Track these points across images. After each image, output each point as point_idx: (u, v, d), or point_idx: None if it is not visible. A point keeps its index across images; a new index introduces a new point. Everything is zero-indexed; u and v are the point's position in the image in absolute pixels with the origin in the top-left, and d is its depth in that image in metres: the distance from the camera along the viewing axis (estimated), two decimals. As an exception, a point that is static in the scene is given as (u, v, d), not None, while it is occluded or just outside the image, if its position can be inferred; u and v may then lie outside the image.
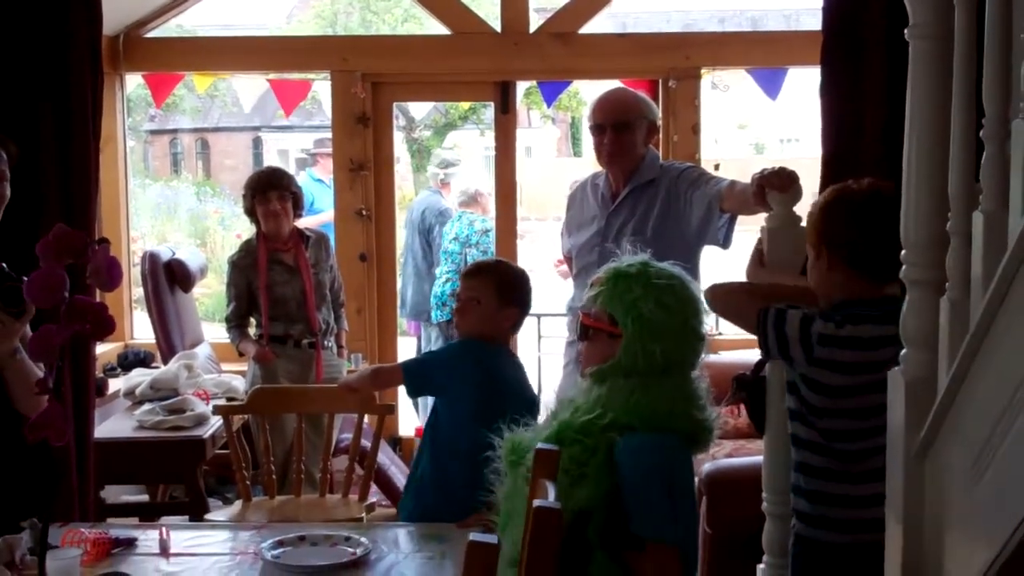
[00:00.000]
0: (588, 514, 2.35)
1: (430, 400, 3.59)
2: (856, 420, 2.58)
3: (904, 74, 2.22)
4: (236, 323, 4.89)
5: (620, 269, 2.56)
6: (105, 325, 1.93)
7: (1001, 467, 1.85)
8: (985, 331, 1.88)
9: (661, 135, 6.00)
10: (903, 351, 2.18)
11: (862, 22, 4.11)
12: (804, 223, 3.15)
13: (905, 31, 2.20)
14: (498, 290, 3.34)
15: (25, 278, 2.05)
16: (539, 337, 7.85)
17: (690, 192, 3.70)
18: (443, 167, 7.56)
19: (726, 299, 2.90)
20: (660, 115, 4.09)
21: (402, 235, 7.31)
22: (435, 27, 6.34)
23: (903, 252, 2.19)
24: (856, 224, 2.61)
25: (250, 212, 4.90)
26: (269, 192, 4.79)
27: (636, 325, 2.49)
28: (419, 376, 3.44)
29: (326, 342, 4.95)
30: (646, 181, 3.80)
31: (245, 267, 4.83)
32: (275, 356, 4.77)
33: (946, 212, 2.07)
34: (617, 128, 3.78)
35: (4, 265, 2.73)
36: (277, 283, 4.81)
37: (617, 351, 2.51)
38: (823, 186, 4.18)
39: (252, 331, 4.94)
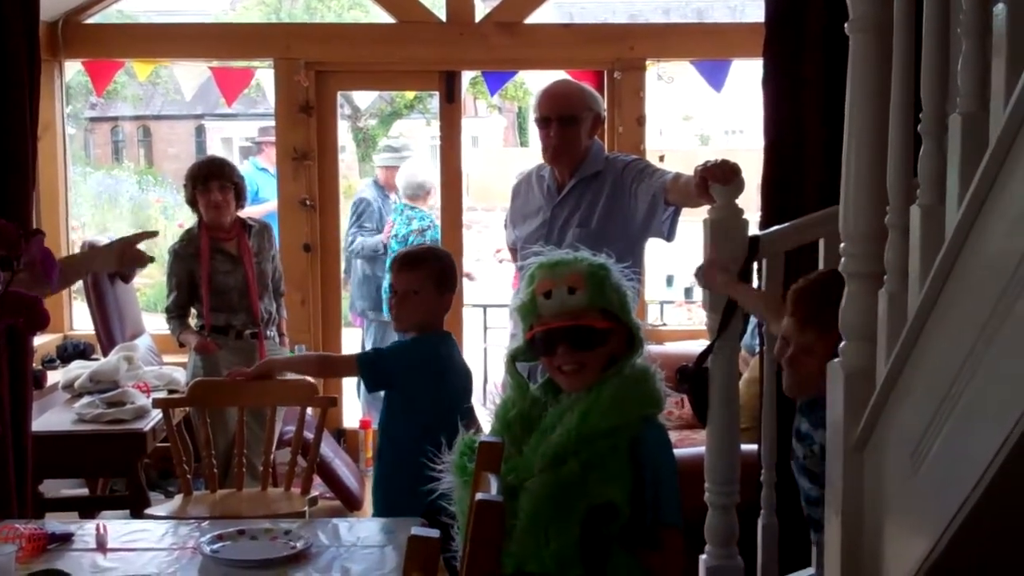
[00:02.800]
0: (614, 511, 2.32)
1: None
2: None
3: (845, 67, 2.24)
4: (176, 313, 4.82)
5: (578, 262, 2.48)
6: (39, 318, 1.89)
7: (938, 459, 1.88)
8: (922, 323, 1.90)
9: (606, 126, 6.00)
10: (842, 343, 2.20)
11: (804, 14, 4.14)
12: (746, 215, 3.19)
13: (845, 24, 2.22)
14: (436, 280, 3.37)
15: None
16: (485, 328, 7.86)
17: (635, 185, 3.70)
18: (389, 151, 7.35)
19: None
20: (605, 107, 4.09)
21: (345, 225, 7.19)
22: (380, 15, 6.30)
23: (842, 245, 2.21)
24: None
25: (192, 202, 4.83)
26: (210, 182, 4.72)
27: (625, 310, 2.47)
28: (376, 370, 3.44)
29: (268, 332, 4.90)
30: (591, 174, 3.79)
31: (187, 256, 4.77)
32: (217, 347, 4.71)
33: (885, 205, 2.09)
34: (563, 122, 3.76)
35: None
36: (219, 272, 4.75)
37: (616, 344, 2.45)
38: (765, 176, 4.22)
39: (193, 322, 4.88)
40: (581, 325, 2.42)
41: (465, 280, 6.45)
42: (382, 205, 6.97)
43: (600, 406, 2.35)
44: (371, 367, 3.47)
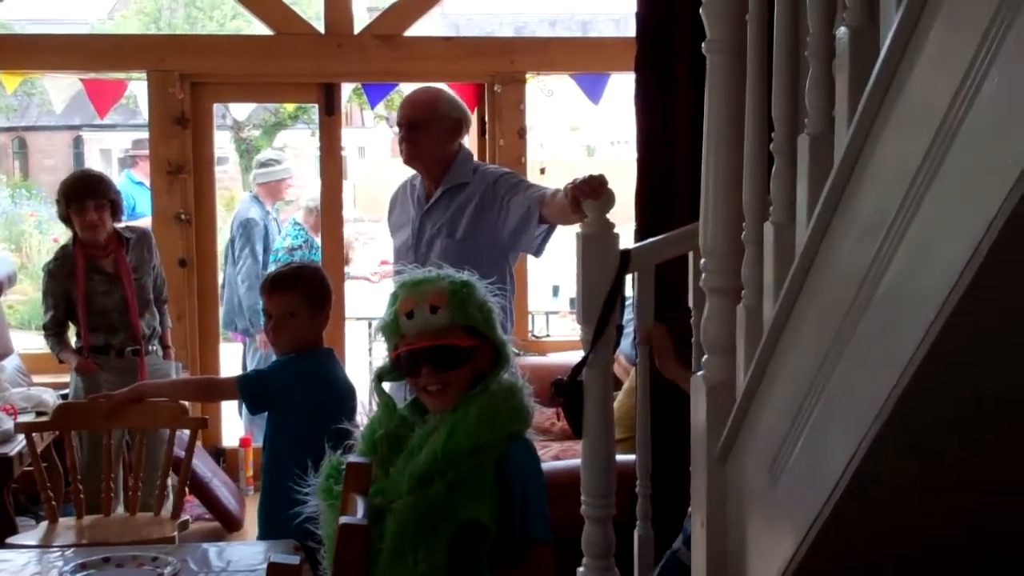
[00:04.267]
0: (482, 530, 2.31)
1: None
2: None
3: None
4: (54, 331, 4.68)
5: (440, 280, 2.46)
6: None
7: (795, 469, 1.92)
8: (777, 337, 1.95)
9: (487, 138, 6.04)
10: (704, 357, 2.24)
11: (674, 31, 4.21)
12: (622, 227, 3.23)
13: (702, 45, 2.26)
14: (309, 300, 3.34)
15: None
16: (370, 341, 7.79)
17: (507, 197, 3.72)
18: (261, 167, 7.08)
19: None
20: (467, 112, 4.09)
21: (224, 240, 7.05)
22: (261, 27, 6.23)
23: (702, 261, 2.25)
24: None
25: (65, 219, 4.69)
26: (85, 201, 4.56)
27: (490, 326, 2.46)
28: (258, 393, 3.41)
29: (151, 347, 4.78)
30: (459, 184, 3.81)
31: (62, 277, 4.62)
32: (97, 368, 4.58)
33: (742, 222, 2.13)
34: (411, 126, 3.82)
35: None
36: (97, 293, 4.61)
37: (481, 361, 2.44)
38: (638, 189, 4.28)
39: (73, 340, 4.73)
40: (444, 345, 2.40)
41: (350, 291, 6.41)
42: (267, 223, 6.85)
43: (466, 425, 2.34)
44: (252, 390, 3.43)
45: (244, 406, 3.46)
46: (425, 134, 3.82)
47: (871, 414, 1.61)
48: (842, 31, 1.73)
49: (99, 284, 4.62)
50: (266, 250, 6.80)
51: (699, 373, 2.26)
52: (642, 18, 4.22)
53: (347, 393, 3.42)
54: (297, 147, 22.57)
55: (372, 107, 7.06)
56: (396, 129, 3.96)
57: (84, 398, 4.25)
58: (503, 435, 2.38)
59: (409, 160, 3.90)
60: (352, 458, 2.39)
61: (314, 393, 3.31)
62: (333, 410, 3.21)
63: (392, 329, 2.45)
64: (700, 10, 2.26)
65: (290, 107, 16.92)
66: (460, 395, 2.41)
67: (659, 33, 4.15)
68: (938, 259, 1.44)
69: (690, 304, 3.22)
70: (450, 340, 2.40)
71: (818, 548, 1.85)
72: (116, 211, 4.70)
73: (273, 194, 6.94)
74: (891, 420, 1.57)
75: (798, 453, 1.88)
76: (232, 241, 6.79)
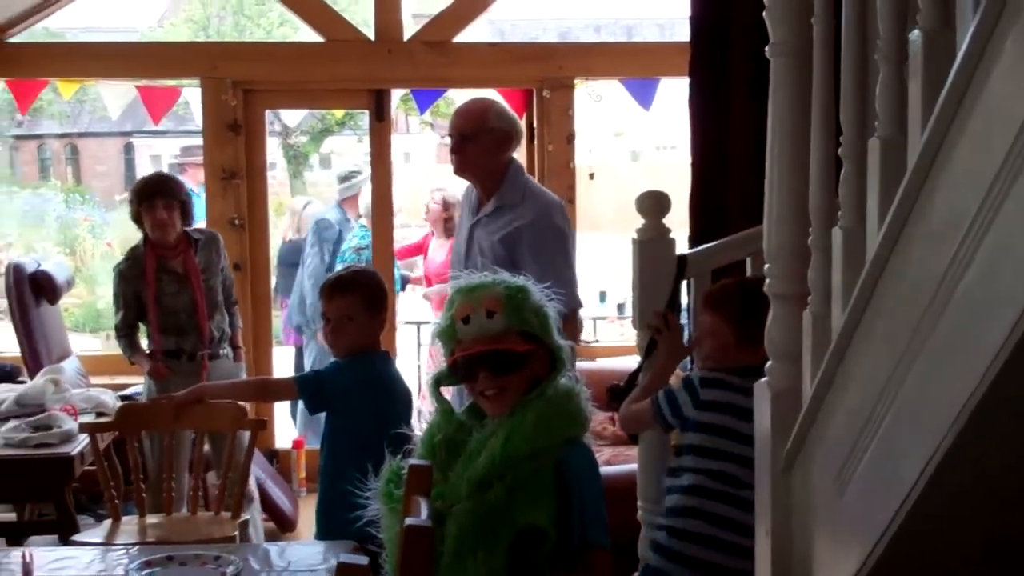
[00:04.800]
0: (541, 535, 2.31)
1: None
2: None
3: (767, 85, 2.28)
4: (125, 332, 4.70)
5: (495, 285, 2.47)
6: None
7: (864, 478, 1.91)
8: (846, 344, 1.93)
9: (536, 144, 6.04)
10: (768, 363, 2.23)
11: (729, 34, 4.20)
12: (676, 232, 3.23)
13: (766, 48, 2.25)
14: (367, 303, 3.36)
15: None
16: (419, 345, 7.83)
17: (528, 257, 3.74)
18: (343, 181, 7.14)
19: (632, 419, 3.06)
20: (518, 125, 4.12)
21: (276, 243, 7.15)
22: (309, 34, 6.28)
23: (767, 266, 2.24)
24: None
25: (137, 219, 4.71)
26: (155, 200, 4.61)
27: (546, 330, 2.46)
28: (314, 393, 3.43)
29: (221, 350, 4.81)
30: (508, 204, 3.86)
31: (132, 277, 4.65)
32: (168, 372, 4.60)
33: (807, 226, 2.12)
34: (462, 138, 3.86)
35: None
36: (166, 294, 4.63)
37: (537, 366, 2.43)
38: (693, 193, 4.27)
39: (144, 342, 4.76)
40: (500, 349, 2.41)
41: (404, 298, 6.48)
42: (343, 227, 6.92)
43: (523, 429, 2.34)
44: (311, 390, 3.45)
45: (304, 406, 3.49)
46: (474, 145, 3.85)
47: (947, 421, 1.59)
48: (915, 34, 1.72)
49: (168, 285, 4.65)
50: (334, 253, 6.88)
51: (762, 380, 2.25)
52: (696, 21, 4.21)
53: (404, 396, 3.45)
54: (343, 153, 22.72)
55: (421, 113, 7.09)
56: (444, 137, 4.02)
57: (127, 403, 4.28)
58: (561, 439, 2.38)
59: (459, 171, 3.95)
60: (413, 462, 2.40)
61: (371, 396, 3.33)
62: (390, 413, 3.24)
63: (449, 334, 2.47)
64: (764, 13, 2.25)
65: (338, 113, 17.01)
66: (517, 400, 2.41)
67: (714, 36, 4.14)
68: (1019, 262, 1.42)
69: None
70: (506, 345, 2.41)
71: (889, 559, 1.83)
72: (186, 213, 4.74)
73: (357, 206, 6.94)
74: (968, 427, 1.55)
75: (867, 462, 1.86)
76: (306, 240, 6.93)
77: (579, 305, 3.91)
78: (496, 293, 2.43)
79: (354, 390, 3.34)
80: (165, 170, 9.15)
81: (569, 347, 2.53)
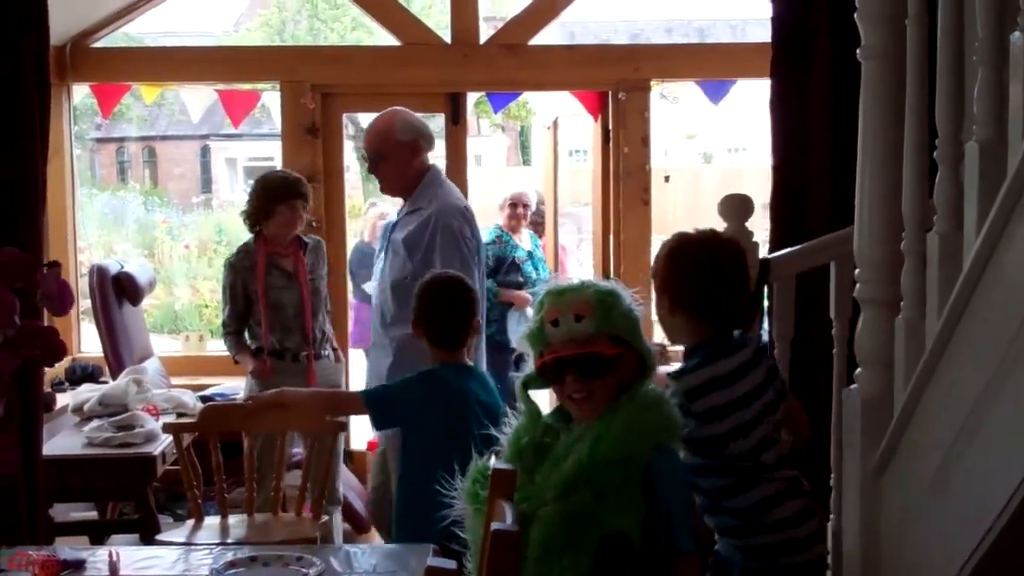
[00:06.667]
0: (627, 541, 2.29)
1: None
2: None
3: (850, 87, 2.25)
4: (233, 328, 4.74)
5: (585, 289, 2.45)
6: (56, 351, 1.89)
7: (961, 485, 1.87)
8: (941, 351, 1.90)
9: (612, 146, 6.02)
10: (857, 370, 2.20)
11: (810, 36, 4.15)
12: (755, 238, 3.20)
13: (857, 51, 2.22)
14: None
15: None
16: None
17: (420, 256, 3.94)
18: None
19: None
20: (424, 129, 4.20)
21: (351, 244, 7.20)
22: (384, 36, 6.32)
23: (857, 271, 2.21)
24: (695, 269, 2.62)
25: (259, 215, 4.73)
26: (296, 200, 4.69)
27: (635, 335, 2.44)
28: (382, 409, 3.36)
29: (324, 351, 4.86)
30: (417, 208, 4.03)
31: (243, 269, 4.69)
32: (273, 371, 4.65)
33: (900, 231, 2.09)
34: (373, 159, 4.08)
35: None
36: (274, 288, 4.67)
37: (626, 370, 2.41)
38: (774, 195, 4.23)
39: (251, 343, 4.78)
40: (589, 353, 2.39)
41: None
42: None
43: (612, 434, 2.32)
44: (379, 406, 3.37)
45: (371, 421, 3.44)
46: (387, 162, 4.05)
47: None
48: (1016, 36, 1.69)
49: (277, 279, 4.69)
50: None
51: (852, 386, 2.22)
52: (778, 21, 4.16)
53: (485, 409, 3.28)
54: (415, 154, 22.86)
55: (496, 112, 7.09)
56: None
57: (211, 403, 4.30)
58: (649, 445, 2.36)
59: (384, 190, 4.23)
60: (498, 464, 2.40)
61: (443, 412, 3.27)
62: (464, 426, 3.18)
63: (538, 337, 2.46)
64: (855, 15, 2.22)
65: (411, 115, 17.11)
66: (605, 404, 2.40)
67: (796, 37, 4.09)
68: None
69: (831, 315, 3.18)
70: (595, 348, 2.39)
71: (986, 564, 1.80)
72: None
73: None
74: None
75: (968, 466, 1.83)
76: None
77: None
78: (586, 296, 2.41)
79: (424, 405, 3.28)
80: (241, 173, 9.28)
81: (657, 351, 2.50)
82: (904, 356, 2.02)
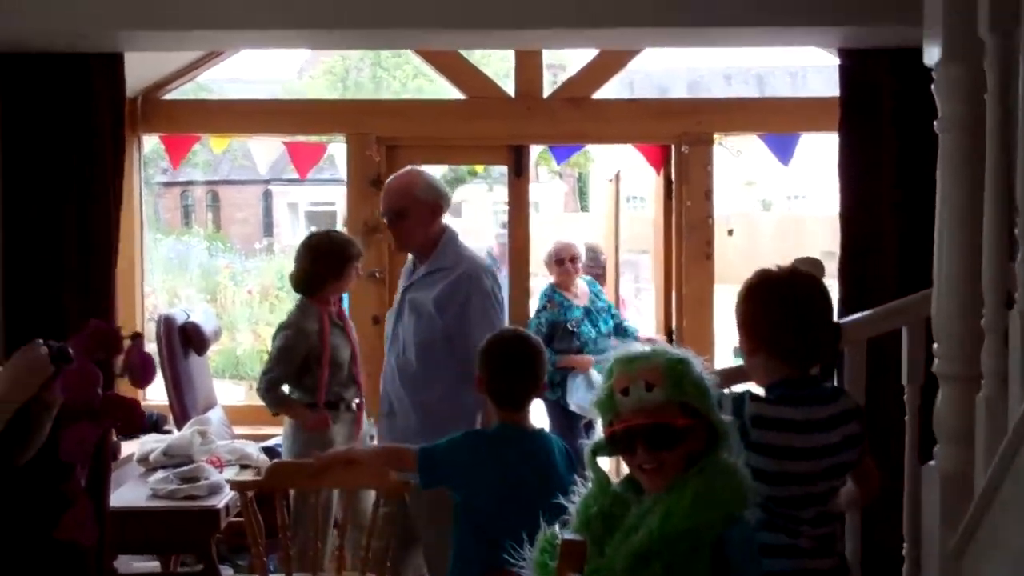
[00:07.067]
0: None
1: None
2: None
3: (919, 144, 2.23)
4: (277, 385, 4.63)
5: (656, 356, 2.39)
6: (136, 424, 1.92)
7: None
8: (1024, 432, 1.86)
9: (674, 200, 6.02)
10: (936, 446, 2.17)
11: (878, 93, 4.15)
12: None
13: (935, 123, 2.21)
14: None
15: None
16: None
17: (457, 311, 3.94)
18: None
19: None
20: (445, 192, 4.23)
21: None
22: (445, 85, 6.38)
23: (936, 345, 2.18)
24: (775, 306, 2.63)
25: (331, 275, 4.69)
26: (358, 262, 4.80)
27: (707, 404, 2.38)
28: (429, 469, 3.23)
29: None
30: (440, 267, 4.03)
31: (310, 333, 4.63)
32: (331, 422, 4.60)
33: (979, 306, 2.06)
34: (394, 216, 4.08)
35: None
36: (335, 346, 4.68)
37: (697, 440, 2.35)
38: (843, 252, 4.20)
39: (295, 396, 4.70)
40: (659, 423, 2.33)
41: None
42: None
43: (681, 507, 2.28)
44: (425, 465, 3.22)
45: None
46: (408, 220, 4.06)
47: None
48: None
49: (337, 337, 4.72)
50: None
51: (931, 463, 2.18)
52: (846, 71, 4.16)
53: (545, 472, 3.15)
54: (473, 201, 23.02)
55: (558, 164, 7.11)
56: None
57: (305, 453, 4.22)
58: (720, 517, 2.32)
59: (400, 247, 4.22)
60: (567, 534, 2.38)
61: (490, 472, 3.15)
62: (520, 490, 3.08)
63: (607, 405, 2.42)
64: (932, 87, 2.20)
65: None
66: (675, 474, 2.36)
67: (863, 95, 4.09)
68: None
69: (903, 381, 3.14)
70: (665, 418, 2.34)
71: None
72: None
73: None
74: None
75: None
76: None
77: None
78: (656, 365, 2.38)
79: (472, 466, 3.17)
80: (303, 218, 9.36)
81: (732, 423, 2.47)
82: (985, 435, 1.99)
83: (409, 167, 4.50)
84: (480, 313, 3.94)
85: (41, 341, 2.32)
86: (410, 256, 4.24)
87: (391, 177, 4.28)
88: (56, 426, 2.25)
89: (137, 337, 1.99)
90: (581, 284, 6.58)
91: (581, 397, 6.11)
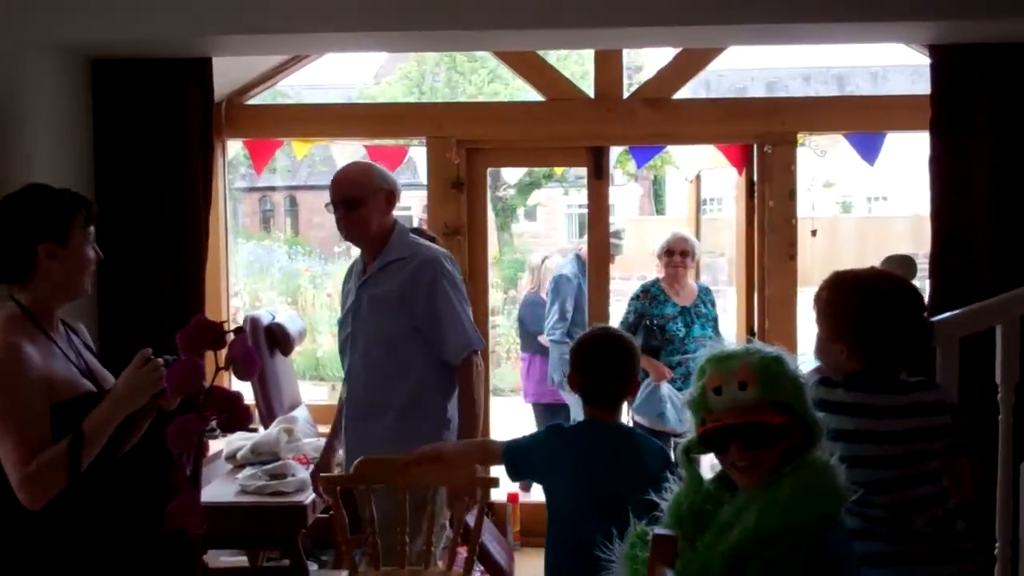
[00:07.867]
0: None
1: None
2: None
3: (1014, 143, 2.20)
4: None
5: (749, 355, 2.39)
6: (241, 418, 1.96)
7: None
8: None
9: (756, 201, 5.97)
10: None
11: (971, 91, 4.08)
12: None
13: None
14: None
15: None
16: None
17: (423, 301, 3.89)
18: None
19: None
20: (397, 183, 4.12)
21: (495, 296, 7.34)
22: (522, 87, 6.38)
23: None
24: (855, 306, 2.71)
25: None
26: None
27: (801, 401, 2.38)
28: (515, 461, 3.27)
29: None
30: (395, 259, 3.96)
31: None
32: None
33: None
34: (348, 204, 3.92)
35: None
36: None
37: (792, 437, 2.35)
38: (934, 246, 4.15)
39: None
40: (753, 422, 2.33)
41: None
42: (581, 281, 7.04)
43: (778, 505, 2.27)
44: (510, 458, 3.27)
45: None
46: (364, 208, 3.93)
47: None
48: None
49: None
50: (577, 308, 7.08)
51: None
52: (937, 68, 4.10)
53: (624, 469, 3.14)
54: (548, 204, 23.02)
55: (639, 167, 7.08)
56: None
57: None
58: (816, 516, 2.30)
59: (350, 237, 4.04)
60: (658, 530, 2.38)
61: (568, 467, 3.15)
62: (602, 488, 3.08)
63: (700, 404, 2.42)
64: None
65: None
66: (770, 471, 2.35)
67: (955, 93, 4.03)
68: None
69: (997, 380, 3.09)
70: (759, 417, 2.33)
71: None
72: None
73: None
74: None
75: None
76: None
77: (479, 345, 3.99)
78: (749, 363, 2.37)
79: (550, 462, 3.18)
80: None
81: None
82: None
83: (358, 159, 4.49)
84: (447, 296, 3.92)
85: (151, 353, 2.33)
86: (359, 254, 4.16)
87: (340, 168, 4.18)
88: (160, 418, 2.32)
89: (240, 331, 2.03)
90: (691, 285, 6.41)
91: (642, 405, 6.08)
